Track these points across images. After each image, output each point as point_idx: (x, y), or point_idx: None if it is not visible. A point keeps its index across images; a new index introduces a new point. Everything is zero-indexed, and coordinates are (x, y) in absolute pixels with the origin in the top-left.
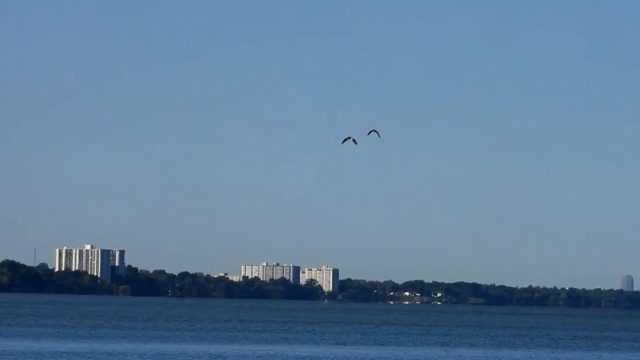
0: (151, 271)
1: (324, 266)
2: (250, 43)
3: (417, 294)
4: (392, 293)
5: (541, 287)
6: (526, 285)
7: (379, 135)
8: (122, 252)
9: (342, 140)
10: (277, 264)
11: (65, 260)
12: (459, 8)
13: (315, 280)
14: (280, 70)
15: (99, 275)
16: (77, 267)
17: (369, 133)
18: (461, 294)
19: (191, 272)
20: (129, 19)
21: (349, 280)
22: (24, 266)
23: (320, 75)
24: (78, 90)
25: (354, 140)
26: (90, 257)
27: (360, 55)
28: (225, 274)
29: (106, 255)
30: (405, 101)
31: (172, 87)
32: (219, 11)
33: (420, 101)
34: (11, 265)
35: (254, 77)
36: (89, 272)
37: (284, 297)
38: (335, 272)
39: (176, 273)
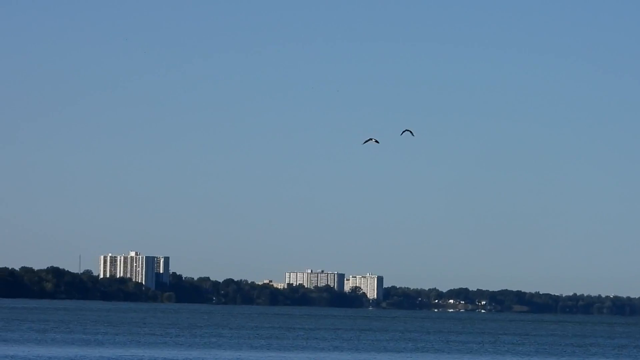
0: (195, 278)
1: (368, 273)
2: (276, 45)
3: (462, 302)
4: (436, 301)
5: (585, 294)
6: (570, 293)
7: (412, 134)
8: (166, 259)
9: (364, 141)
10: (322, 271)
11: (110, 267)
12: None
13: (360, 287)
14: (304, 74)
15: (143, 282)
16: (121, 274)
17: (402, 133)
18: (505, 301)
19: (236, 279)
20: (138, 22)
21: (393, 287)
22: (68, 273)
23: (343, 78)
24: (119, 99)
25: (376, 140)
26: (134, 264)
27: (366, 58)
28: (270, 281)
29: (151, 262)
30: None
31: (211, 95)
32: (223, 16)
33: (458, 106)
34: (56, 272)
35: (278, 81)
36: (134, 279)
37: (328, 305)
38: (380, 280)
39: (221, 280)
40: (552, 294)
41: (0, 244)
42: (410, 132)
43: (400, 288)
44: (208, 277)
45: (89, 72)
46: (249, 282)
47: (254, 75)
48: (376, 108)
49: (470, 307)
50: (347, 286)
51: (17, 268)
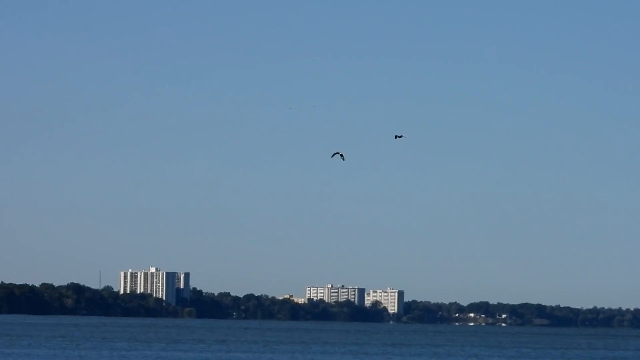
0: (216, 293)
1: (389, 288)
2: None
3: (482, 315)
4: (457, 314)
5: (606, 308)
6: (591, 306)
7: (396, 137)
8: (187, 275)
9: (332, 154)
10: (342, 286)
11: (130, 283)
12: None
13: (380, 302)
14: (321, 86)
15: (164, 298)
16: (142, 290)
17: (395, 137)
18: (526, 315)
19: (256, 294)
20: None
21: (414, 301)
22: (89, 289)
23: (364, 91)
24: (138, 114)
25: (341, 155)
26: (155, 280)
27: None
28: (290, 296)
29: (171, 277)
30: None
31: (230, 109)
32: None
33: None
34: (76, 288)
35: (299, 94)
36: (154, 295)
37: (348, 319)
38: (401, 294)
39: (241, 295)
40: (573, 307)
41: (21, 261)
42: (398, 136)
43: (420, 302)
44: (228, 293)
45: (104, 87)
46: (270, 297)
47: (272, 89)
48: (395, 121)
49: (490, 320)
50: (368, 301)
51: (37, 284)
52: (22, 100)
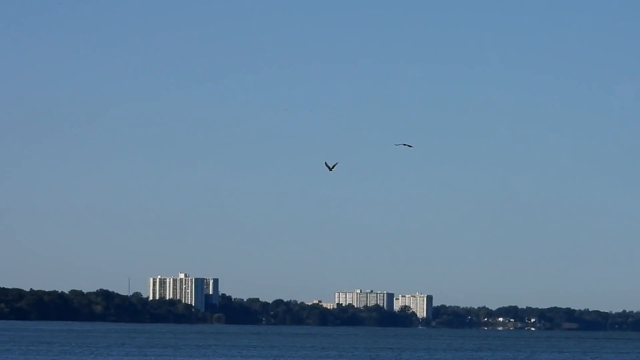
0: (245, 299)
1: (417, 293)
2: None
3: (511, 320)
4: (485, 319)
5: (635, 311)
6: (620, 310)
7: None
8: (215, 281)
9: (327, 165)
10: (371, 291)
11: (159, 289)
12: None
13: (409, 306)
14: (340, 89)
15: (193, 304)
16: (171, 296)
17: (398, 145)
18: (555, 319)
19: (285, 300)
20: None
21: (442, 306)
22: (118, 295)
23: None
24: (163, 119)
25: (328, 165)
26: (184, 286)
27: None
28: (319, 301)
29: (200, 283)
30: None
31: (255, 113)
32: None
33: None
34: (105, 295)
35: (319, 99)
36: (183, 301)
37: (377, 324)
38: (429, 299)
39: (270, 301)
40: (602, 310)
41: (50, 268)
42: (405, 145)
43: (449, 307)
44: (257, 298)
45: (123, 90)
46: (299, 302)
47: (292, 92)
48: (406, 123)
49: (519, 325)
50: (397, 305)
51: (66, 291)
52: (40, 104)
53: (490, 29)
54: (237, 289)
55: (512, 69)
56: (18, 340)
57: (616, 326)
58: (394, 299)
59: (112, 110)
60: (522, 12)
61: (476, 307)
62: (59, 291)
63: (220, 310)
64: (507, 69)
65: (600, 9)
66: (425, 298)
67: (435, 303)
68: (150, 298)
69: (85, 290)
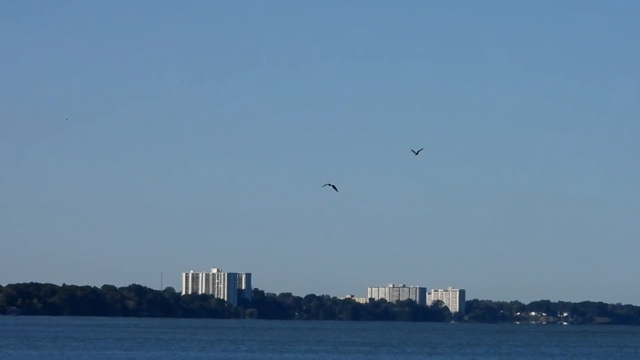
0: (278, 294)
1: (450, 287)
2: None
3: (543, 314)
4: (518, 313)
5: None
6: None
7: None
8: (248, 275)
9: (323, 185)
10: (404, 286)
11: (192, 284)
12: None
13: (442, 301)
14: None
15: (225, 299)
16: (203, 291)
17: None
18: (587, 313)
19: (318, 295)
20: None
21: (475, 300)
22: (150, 290)
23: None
24: (198, 115)
25: (334, 186)
26: (216, 281)
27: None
28: (352, 295)
29: (232, 278)
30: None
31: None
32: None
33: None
34: (138, 290)
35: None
36: (216, 296)
37: (410, 319)
38: (462, 293)
39: (303, 295)
40: (634, 305)
41: (83, 263)
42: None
43: (482, 301)
44: (290, 293)
45: (148, 86)
46: (331, 297)
47: (323, 87)
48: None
49: (551, 319)
50: (429, 300)
51: (99, 286)
52: (66, 97)
53: (493, 28)
54: (269, 283)
55: (515, 66)
56: (53, 336)
57: None
58: (427, 293)
59: (135, 103)
60: (524, 10)
61: (508, 302)
62: (92, 286)
63: (252, 305)
64: (510, 66)
65: (600, 5)
66: (457, 292)
67: (468, 297)
68: (183, 293)
69: (117, 286)
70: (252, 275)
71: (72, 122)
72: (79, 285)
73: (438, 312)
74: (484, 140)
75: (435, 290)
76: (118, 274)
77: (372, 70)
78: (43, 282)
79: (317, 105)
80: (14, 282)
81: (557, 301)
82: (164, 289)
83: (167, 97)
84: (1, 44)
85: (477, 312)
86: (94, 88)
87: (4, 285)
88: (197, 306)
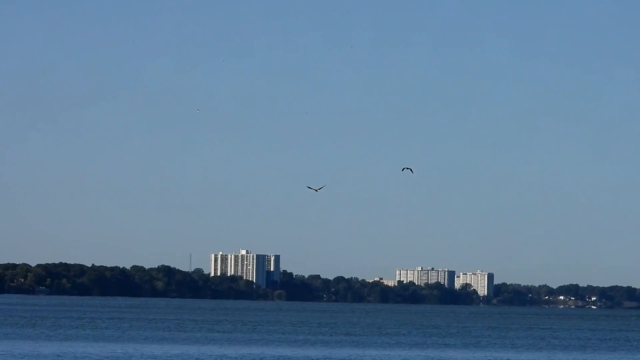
0: (306, 276)
1: (479, 270)
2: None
3: (572, 298)
4: (546, 297)
5: None
6: None
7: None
8: (277, 257)
9: (317, 188)
10: (432, 269)
11: (221, 266)
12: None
13: (470, 284)
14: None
15: (254, 280)
16: (232, 272)
17: (402, 169)
18: (616, 297)
19: (346, 277)
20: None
21: (503, 284)
22: (179, 271)
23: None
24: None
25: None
26: (245, 262)
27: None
28: (380, 278)
29: (261, 260)
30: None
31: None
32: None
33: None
34: (167, 271)
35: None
36: (244, 277)
37: (438, 302)
38: (490, 276)
39: (331, 278)
40: None
41: (112, 243)
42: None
43: (510, 285)
44: (318, 275)
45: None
46: (360, 279)
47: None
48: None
49: (580, 303)
50: (458, 283)
51: (128, 267)
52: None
53: (493, 18)
54: (298, 265)
55: (515, 57)
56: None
57: None
58: (455, 276)
59: (163, 83)
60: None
61: (537, 285)
62: (121, 267)
63: (281, 287)
64: (511, 58)
65: None
66: (486, 276)
67: (496, 281)
68: (212, 274)
69: (146, 266)
70: (280, 257)
71: (96, 101)
72: (108, 265)
73: (466, 295)
74: (514, 122)
75: (463, 274)
76: (147, 255)
77: (375, 59)
78: (72, 263)
79: (337, 88)
80: (43, 262)
81: (585, 285)
82: (192, 270)
83: (192, 73)
84: None
85: (505, 295)
86: (100, 72)
87: (32, 265)
88: (226, 287)
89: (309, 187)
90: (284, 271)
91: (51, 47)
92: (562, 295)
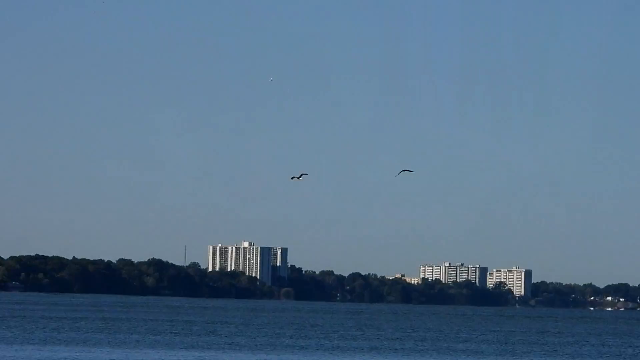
0: (318, 272)
1: (514, 267)
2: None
3: (621, 299)
4: (592, 298)
5: None
6: None
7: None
8: (284, 250)
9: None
10: (462, 265)
11: (220, 260)
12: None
13: (505, 282)
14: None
15: (258, 277)
16: (233, 267)
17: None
18: None
19: (363, 273)
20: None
21: (543, 283)
22: (173, 266)
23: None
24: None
25: (296, 177)
26: (248, 256)
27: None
28: (402, 275)
29: (266, 253)
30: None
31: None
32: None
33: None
34: (158, 265)
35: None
36: (247, 273)
37: (468, 303)
38: (528, 274)
39: (346, 274)
40: None
41: (96, 233)
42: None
43: (551, 283)
44: (332, 271)
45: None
46: (379, 276)
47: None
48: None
49: (630, 305)
50: (490, 281)
51: (114, 260)
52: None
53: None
54: (308, 260)
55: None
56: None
57: None
58: (488, 273)
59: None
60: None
61: (581, 285)
62: (106, 260)
63: (289, 284)
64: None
65: None
66: (523, 273)
67: (535, 279)
68: (210, 269)
69: (135, 260)
70: (288, 250)
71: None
72: (91, 258)
73: (500, 295)
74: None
75: (497, 271)
76: (136, 247)
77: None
78: (50, 255)
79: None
80: (16, 254)
81: (637, 285)
82: (187, 264)
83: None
84: None
85: (545, 295)
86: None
87: (5, 257)
88: (226, 284)
89: (292, 178)
90: (292, 266)
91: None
92: (609, 296)
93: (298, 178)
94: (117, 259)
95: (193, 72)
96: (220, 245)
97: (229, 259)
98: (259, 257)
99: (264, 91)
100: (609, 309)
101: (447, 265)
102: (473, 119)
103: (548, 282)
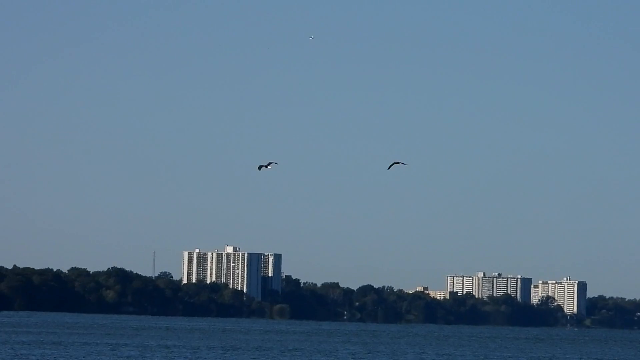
0: (319, 284)
1: (565, 278)
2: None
3: None
4: None
5: None
6: None
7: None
8: (277, 257)
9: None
10: (499, 275)
11: (197, 269)
12: None
13: (553, 298)
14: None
15: (244, 290)
16: (213, 279)
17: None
18: None
19: (376, 286)
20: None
21: (600, 298)
22: (138, 277)
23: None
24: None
25: (265, 166)
26: (232, 264)
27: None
28: (425, 288)
29: (255, 261)
30: None
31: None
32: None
33: None
34: (120, 275)
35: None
36: (231, 286)
37: (507, 322)
38: (582, 287)
39: (355, 287)
40: None
41: (43, 239)
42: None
43: (610, 298)
44: (337, 283)
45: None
46: (395, 290)
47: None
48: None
49: None
50: (535, 296)
51: (64, 270)
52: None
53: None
54: (307, 269)
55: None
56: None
57: None
58: (532, 286)
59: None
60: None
61: None
62: (55, 269)
63: (283, 299)
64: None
65: None
66: (575, 286)
67: (590, 293)
68: (184, 281)
69: (91, 269)
70: (282, 256)
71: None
72: (36, 268)
73: (547, 313)
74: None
75: (543, 283)
76: (92, 254)
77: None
78: None
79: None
80: None
81: None
82: (156, 274)
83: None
84: None
85: (603, 313)
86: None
87: None
88: (205, 300)
89: (260, 167)
90: (287, 277)
91: None
92: None
93: (266, 167)
94: (68, 268)
95: (173, 69)
96: (197, 251)
97: (209, 268)
98: (245, 266)
99: (249, 79)
100: None
101: (482, 276)
102: (513, 118)
103: (607, 296)
